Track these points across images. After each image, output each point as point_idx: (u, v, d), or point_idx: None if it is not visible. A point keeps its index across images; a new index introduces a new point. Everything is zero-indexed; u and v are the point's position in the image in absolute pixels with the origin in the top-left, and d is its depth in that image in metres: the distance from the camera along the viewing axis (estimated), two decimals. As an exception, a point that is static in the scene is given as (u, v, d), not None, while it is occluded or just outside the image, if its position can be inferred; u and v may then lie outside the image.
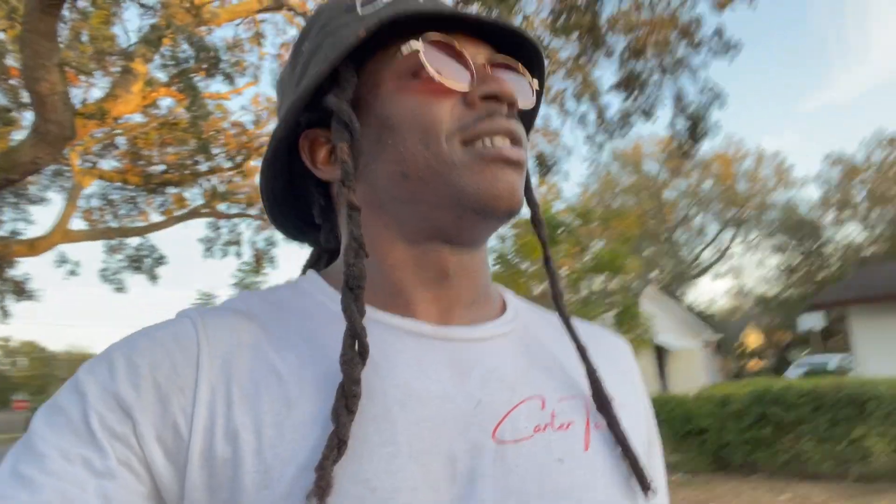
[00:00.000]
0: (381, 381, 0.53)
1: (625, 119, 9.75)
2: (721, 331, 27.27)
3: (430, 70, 0.56)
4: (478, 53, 0.59)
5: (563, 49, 8.70)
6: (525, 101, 0.61)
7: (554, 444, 0.56)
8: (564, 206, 18.97)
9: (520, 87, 0.61)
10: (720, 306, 37.96)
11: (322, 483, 0.45)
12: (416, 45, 0.56)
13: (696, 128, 8.47)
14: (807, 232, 32.21)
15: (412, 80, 0.57)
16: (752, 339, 33.18)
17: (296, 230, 0.74)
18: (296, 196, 0.70)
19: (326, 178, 0.63)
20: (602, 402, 0.60)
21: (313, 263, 0.73)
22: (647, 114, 8.80)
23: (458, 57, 0.58)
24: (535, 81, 0.64)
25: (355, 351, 0.50)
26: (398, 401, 0.53)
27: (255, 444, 0.49)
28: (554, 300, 0.66)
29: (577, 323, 0.69)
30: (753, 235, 34.75)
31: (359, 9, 0.60)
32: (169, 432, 0.49)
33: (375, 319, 0.57)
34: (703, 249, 35.34)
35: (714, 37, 7.89)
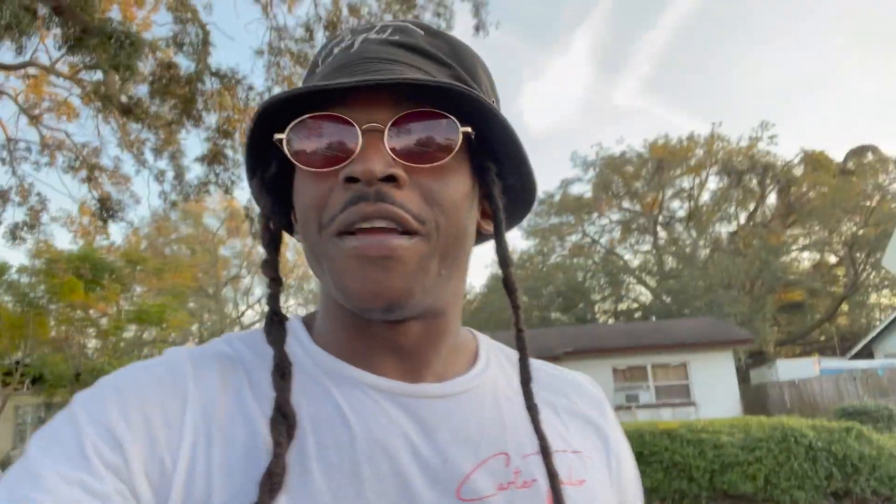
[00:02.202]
0: (351, 436, 0.54)
1: (203, 187, 10.38)
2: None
3: (293, 159, 0.54)
4: (380, 115, 0.54)
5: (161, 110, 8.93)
6: (435, 157, 0.54)
7: (517, 503, 0.56)
8: (113, 247, 17.92)
9: (431, 138, 0.54)
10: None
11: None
12: (280, 135, 0.54)
13: (267, 213, 9.65)
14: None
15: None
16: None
17: None
18: None
19: (297, 238, 0.64)
20: (552, 478, 0.58)
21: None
22: (228, 190, 9.64)
23: (343, 131, 0.53)
24: (465, 127, 0.55)
25: (284, 421, 0.52)
26: (367, 456, 0.53)
27: (225, 489, 0.50)
28: (522, 384, 0.62)
29: (545, 373, 0.70)
30: (292, 302, 38.32)
31: (320, 64, 0.62)
32: (155, 466, 0.50)
33: (347, 375, 0.58)
34: (248, 309, 37.18)
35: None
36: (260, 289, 37.15)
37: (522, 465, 0.59)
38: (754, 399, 16.90)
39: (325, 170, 0.54)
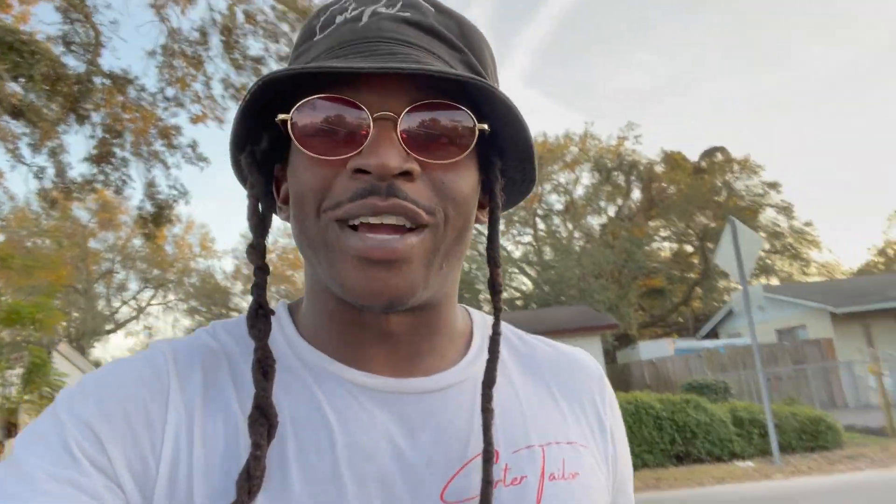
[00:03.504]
0: (331, 437, 0.53)
1: (88, 185, 10.18)
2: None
3: (297, 143, 0.52)
4: (396, 101, 0.51)
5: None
6: (449, 153, 0.52)
7: (504, 502, 0.55)
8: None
9: (448, 133, 0.52)
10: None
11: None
12: (284, 116, 0.52)
13: (160, 215, 9.71)
14: (218, 298, 36.08)
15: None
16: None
17: None
18: None
19: (282, 218, 0.61)
20: (486, 485, 0.55)
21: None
22: (118, 191, 9.56)
23: (354, 116, 0.51)
24: (482, 124, 0.54)
25: (264, 421, 0.50)
26: (347, 459, 0.52)
27: (206, 489, 0.50)
28: (483, 388, 0.57)
29: (543, 351, 0.69)
30: (172, 297, 36.83)
31: (318, 33, 0.57)
32: (138, 464, 0.50)
33: (330, 372, 0.57)
34: (122, 305, 35.28)
35: (189, 147, 9.47)
36: (135, 284, 35.43)
37: (512, 460, 0.57)
38: (620, 378, 18.76)
39: (333, 158, 0.51)
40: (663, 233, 34.10)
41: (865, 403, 14.57)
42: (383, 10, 0.56)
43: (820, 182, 59.35)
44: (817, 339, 16.92)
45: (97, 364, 28.22)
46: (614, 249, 29.19)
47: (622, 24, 53.64)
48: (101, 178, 9.78)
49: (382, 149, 0.50)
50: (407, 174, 0.51)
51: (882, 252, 36.74)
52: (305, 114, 0.52)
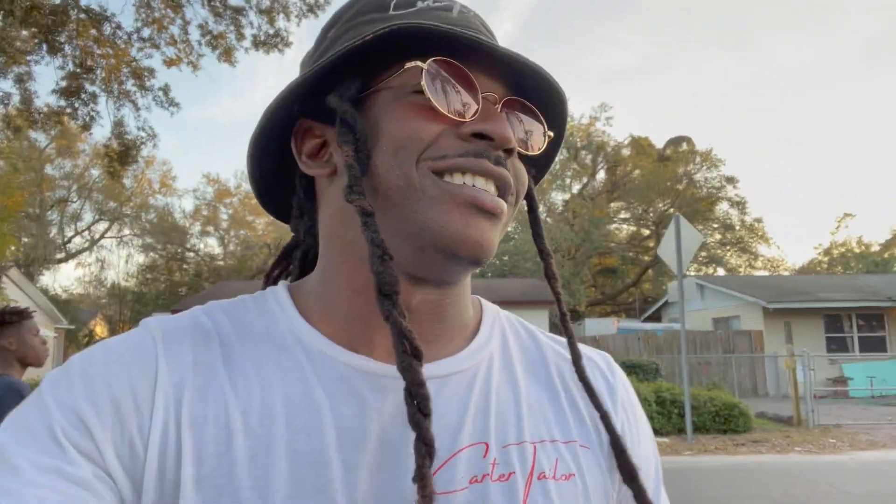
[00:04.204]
0: (320, 421, 0.52)
1: (55, 117, 10.13)
2: (72, 319, 27.57)
3: (427, 91, 0.53)
4: (493, 88, 0.57)
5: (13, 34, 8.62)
6: (532, 148, 0.59)
7: (489, 498, 0.54)
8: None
9: (530, 132, 0.59)
10: (73, 293, 37.64)
11: (426, 492, 0.45)
12: (421, 63, 0.54)
13: (126, 154, 9.76)
14: (175, 237, 35.71)
15: (409, 96, 0.55)
16: (99, 328, 34.47)
17: (285, 212, 0.70)
18: (288, 177, 0.66)
19: (310, 172, 0.61)
20: (630, 474, 0.58)
21: (286, 255, 0.71)
22: (86, 126, 9.56)
23: (467, 86, 0.55)
24: (549, 132, 0.61)
25: (409, 355, 0.49)
26: (334, 442, 0.52)
27: (195, 473, 0.49)
28: (574, 363, 0.63)
29: (554, 351, 0.67)
30: (127, 232, 36.29)
31: (391, 9, 0.59)
32: (126, 450, 0.49)
33: (327, 355, 0.56)
34: (76, 235, 34.67)
35: (160, 90, 9.49)
36: (90, 215, 34.76)
37: (501, 456, 0.56)
38: (563, 351, 19.57)
39: (453, 116, 0.54)
40: (623, 215, 35.03)
41: (784, 394, 15.68)
42: (466, 9, 0.61)
43: (779, 176, 61.34)
44: (748, 331, 18.03)
45: (45, 291, 27.88)
46: (573, 227, 29.95)
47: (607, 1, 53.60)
48: (70, 110, 9.73)
49: (501, 121, 0.55)
50: (511, 152, 0.56)
51: (827, 252, 38.48)
52: (433, 69, 0.54)
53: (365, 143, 0.56)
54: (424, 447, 0.46)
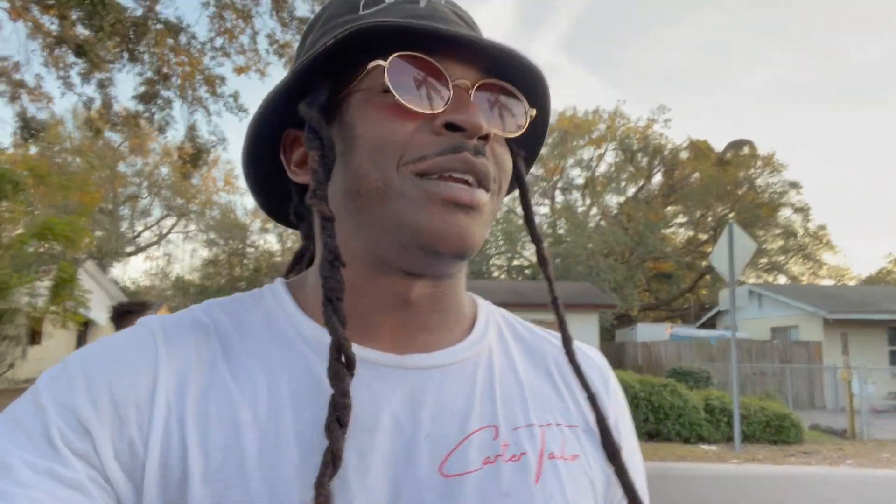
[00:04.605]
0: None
1: (132, 120, 10.85)
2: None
3: (392, 89, 0.53)
4: (465, 74, 0.56)
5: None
6: (511, 128, 0.58)
7: (503, 477, 0.55)
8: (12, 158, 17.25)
9: (509, 112, 0.58)
10: (140, 285, 39.53)
11: (321, 500, 0.45)
12: (381, 62, 0.53)
13: (198, 157, 10.40)
14: (236, 233, 37.07)
15: (379, 96, 0.54)
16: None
17: (286, 218, 0.71)
18: (287, 184, 0.66)
19: (298, 181, 0.62)
20: (613, 451, 0.60)
21: (298, 259, 0.72)
22: (161, 129, 10.24)
23: (436, 77, 0.54)
24: (532, 109, 0.60)
25: (341, 363, 0.49)
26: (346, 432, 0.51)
27: (202, 467, 0.49)
28: (564, 345, 0.65)
29: (550, 344, 0.68)
30: (193, 227, 37.94)
31: (361, 9, 0.59)
32: (126, 450, 0.49)
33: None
34: (145, 230, 36.51)
35: (230, 97, 10.08)
36: (158, 211, 36.49)
37: (512, 437, 0.57)
38: (615, 356, 19.45)
39: (423, 111, 0.53)
40: (680, 219, 34.38)
41: (842, 407, 15.22)
42: None
43: (848, 183, 58.77)
44: (807, 342, 17.54)
45: (116, 283, 29.44)
46: (628, 231, 29.60)
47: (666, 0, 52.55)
48: (147, 115, 10.42)
49: (472, 109, 0.54)
50: (486, 138, 0.54)
51: (896, 261, 36.76)
52: (398, 65, 0.53)
53: (332, 149, 0.57)
54: (332, 456, 0.47)
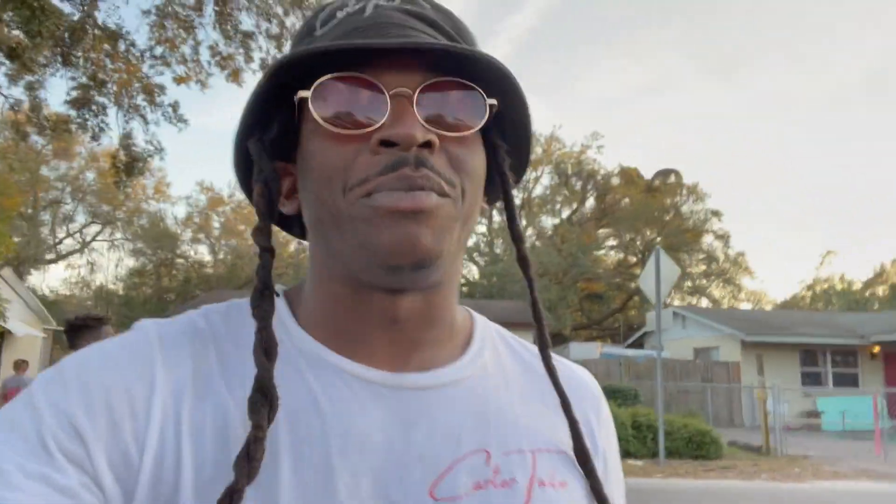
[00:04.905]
0: (324, 428, 0.52)
1: (61, 125, 10.46)
2: (58, 320, 27.70)
3: (318, 118, 0.53)
4: (405, 81, 0.53)
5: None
6: (470, 124, 0.55)
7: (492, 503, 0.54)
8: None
9: (463, 108, 0.55)
10: (59, 293, 37.61)
11: None
12: (304, 93, 0.53)
13: (132, 166, 10.12)
14: (166, 243, 35.84)
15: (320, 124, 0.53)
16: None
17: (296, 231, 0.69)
18: None
19: (285, 211, 0.61)
20: (584, 459, 0.60)
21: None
22: (95, 136, 9.92)
23: (372, 91, 0.53)
24: (491, 99, 0.56)
25: (264, 397, 0.49)
26: (339, 449, 0.52)
27: (194, 480, 0.49)
28: (540, 351, 0.64)
29: (558, 366, 0.66)
30: (119, 236, 36.42)
31: (318, 29, 0.60)
32: (120, 458, 0.49)
33: (328, 362, 0.56)
34: (67, 237, 34.78)
35: (170, 106, 9.89)
36: (82, 217, 34.91)
37: (503, 462, 0.57)
38: (546, 374, 19.94)
39: (356, 132, 0.52)
40: (611, 242, 35.64)
41: (759, 425, 16.10)
42: (384, 2, 0.59)
43: (769, 211, 62.37)
44: (727, 362, 18.51)
45: (33, 291, 27.93)
46: (562, 252, 30.44)
47: (607, 27, 54.79)
48: (79, 120, 10.08)
49: (406, 120, 0.52)
50: (428, 145, 0.52)
51: (811, 287, 39.22)
52: (324, 91, 0.53)
53: (276, 181, 0.58)
54: (233, 494, 0.46)
